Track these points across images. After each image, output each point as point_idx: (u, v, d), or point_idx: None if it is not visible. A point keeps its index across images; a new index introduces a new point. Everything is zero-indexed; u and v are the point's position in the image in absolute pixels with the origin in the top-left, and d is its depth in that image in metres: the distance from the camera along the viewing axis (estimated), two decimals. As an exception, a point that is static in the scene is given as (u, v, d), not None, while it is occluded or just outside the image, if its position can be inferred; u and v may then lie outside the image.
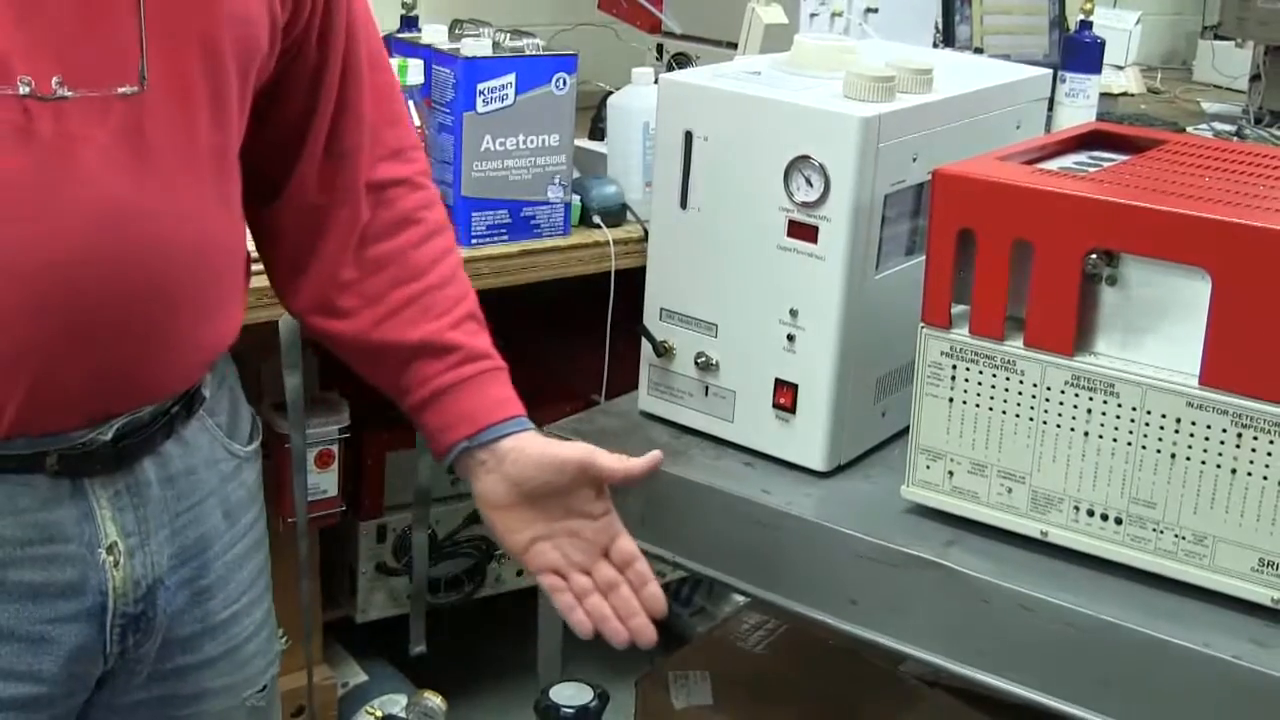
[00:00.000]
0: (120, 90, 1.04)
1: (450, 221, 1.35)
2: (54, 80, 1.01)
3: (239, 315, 1.23)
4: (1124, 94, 3.47)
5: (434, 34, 2.10)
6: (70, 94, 1.02)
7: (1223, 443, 1.16)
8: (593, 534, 1.26)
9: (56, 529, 1.11)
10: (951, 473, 1.29)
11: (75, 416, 1.10)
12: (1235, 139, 2.96)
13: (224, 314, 1.19)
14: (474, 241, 2.02)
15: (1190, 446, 1.18)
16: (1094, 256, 1.19)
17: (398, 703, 2.35)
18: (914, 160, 1.36)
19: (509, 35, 2.07)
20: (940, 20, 2.78)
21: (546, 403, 2.46)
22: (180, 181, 1.10)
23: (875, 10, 2.41)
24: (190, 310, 1.13)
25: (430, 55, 2.03)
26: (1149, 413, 1.19)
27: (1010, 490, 1.27)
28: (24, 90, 1.00)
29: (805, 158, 1.33)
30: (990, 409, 1.26)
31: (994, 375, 1.25)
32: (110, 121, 1.04)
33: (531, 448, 1.25)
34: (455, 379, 1.27)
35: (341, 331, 1.28)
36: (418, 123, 1.97)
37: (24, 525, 1.10)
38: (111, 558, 1.13)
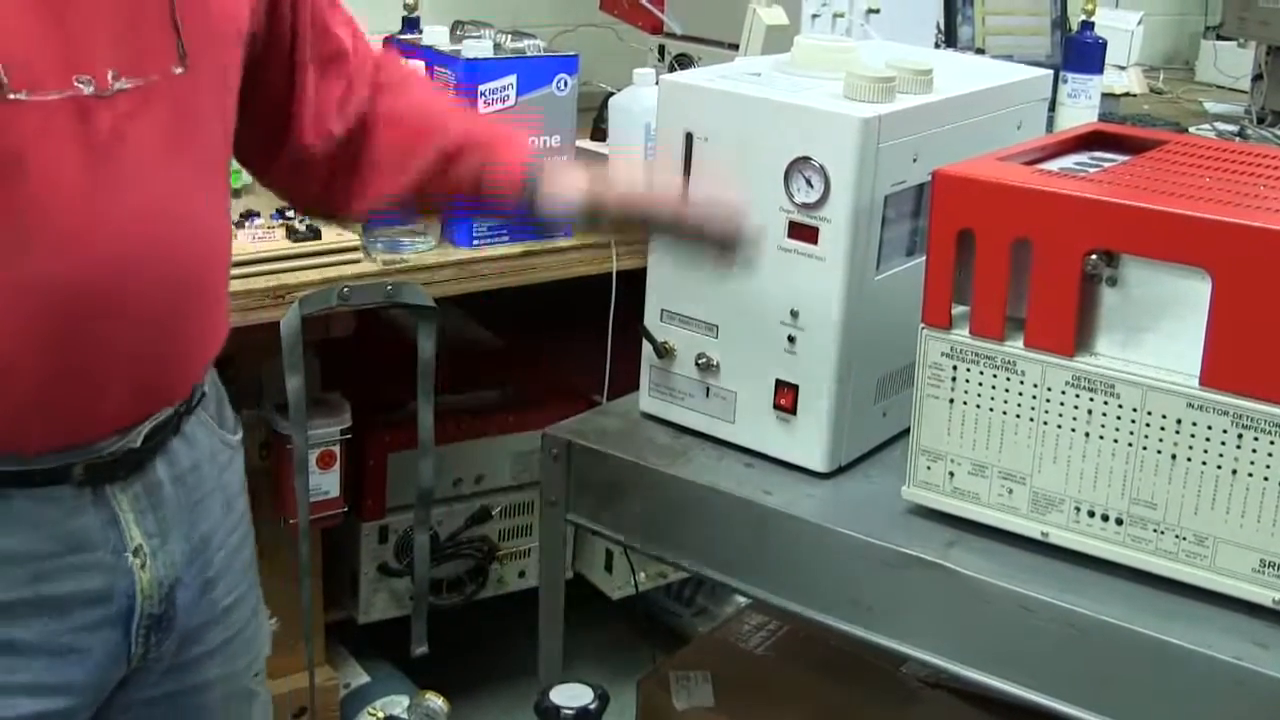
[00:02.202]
0: (173, 71, 1.05)
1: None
2: (110, 74, 1.01)
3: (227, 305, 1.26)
4: (1126, 94, 3.47)
5: (435, 35, 2.10)
6: (128, 84, 1.01)
7: (1223, 443, 1.16)
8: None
9: (83, 537, 1.11)
10: (952, 474, 1.29)
11: (117, 419, 1.10)
12: (1237, 139, 2.96)
13: (224, 306, 1.21)
14: (476, 242, 2.02)
15: (1191, 447, 1.18)
16: (1094, 257, 1.19)
17: (400, 704, 2.35)
18: (914, 161, 1.36)
19: (510, 36, 2.07)
20: (942, 21, 2.78)
21: (548, 403, 2.47)
22: (208, 176, 1.12)
23: (877, 11, 2.40)
24: (209, 305, 1.16)
25: (432, 56, 2.03)
26: (1149, 413, 1.19)
27: (1011, 491, 1.27)
28: (88, 90, 0.99)
29: (806, 159, 1.33)
30: (991, 410, 1.26)
31: (994, 376, 1.25)
32: (159, 107, 1.04)
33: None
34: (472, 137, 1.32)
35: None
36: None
37: (53, 538, 1.10)
38: (138, 560, 1.14)
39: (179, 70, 1.05)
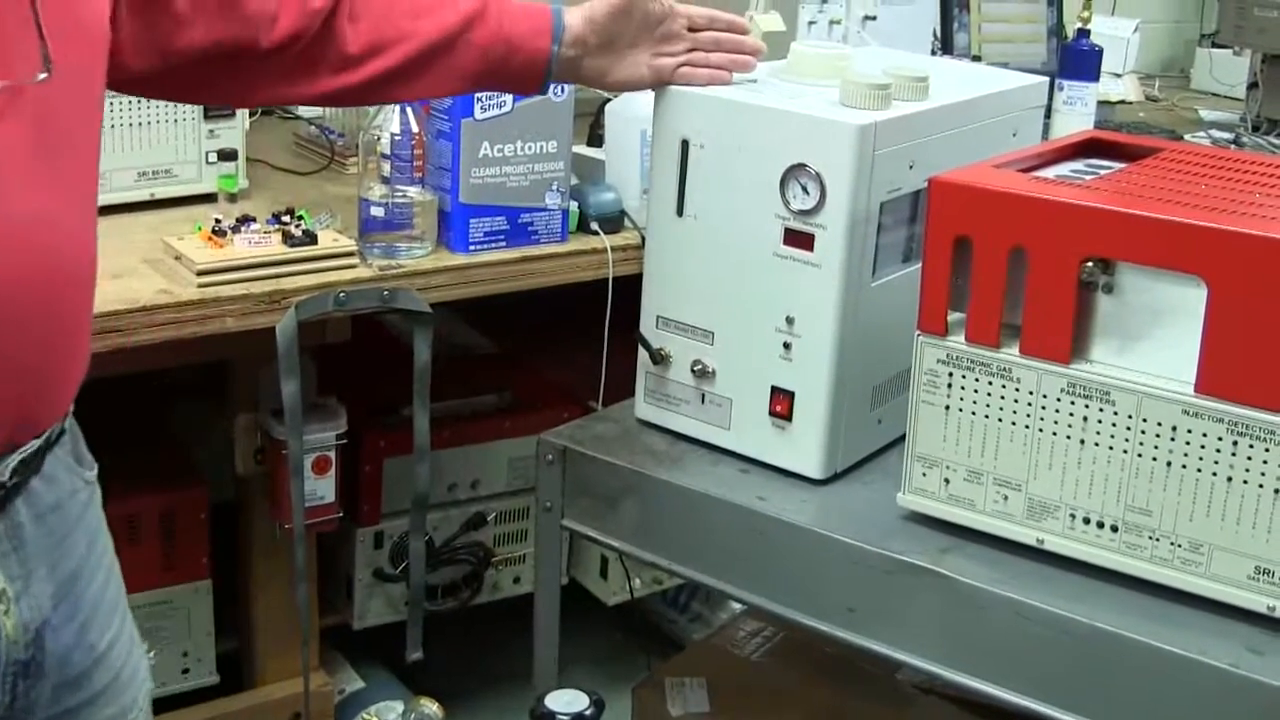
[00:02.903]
0: (36, 78, 1.00)
1: None
2: None
3: None
4: (1122, 102, 3.48)
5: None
6: None
7: (1218, 450, 1.16)
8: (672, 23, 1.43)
9: None
10: (948, 480, 1.29)
11: None
12: (1233, 147, 2.97)
13: (89, 333, 1.15)
14: (472, 248, 2.02)
15: (1186, 454, 1.18)
16: (1090, 264, 1.19)
17: (395, 709, 2.35)
18: (910, 168, 1.36)
19: (507, 42, 2.06)
20: (938, 28, 2.78)
21: (544, 408, 2.47)
22: (77, 185, 1.08)
23: (873, 18, 2.41)
24: (79, 328, 1.11)
25: (428, 62, 2.03)
26: (1145, 420, 1.19)
27: (1006, 498, 1.27)
28: None
29: (801, 165, 1.33)
30: (986, 417, 1.26)
31: (990, 383, 1.25)
32: (22, 115, 1.00)
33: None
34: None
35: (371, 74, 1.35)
36: (415, 129, 1.97)
37: None
38: (1, 606, 1.09)
39: (42, 76, 1.00)
